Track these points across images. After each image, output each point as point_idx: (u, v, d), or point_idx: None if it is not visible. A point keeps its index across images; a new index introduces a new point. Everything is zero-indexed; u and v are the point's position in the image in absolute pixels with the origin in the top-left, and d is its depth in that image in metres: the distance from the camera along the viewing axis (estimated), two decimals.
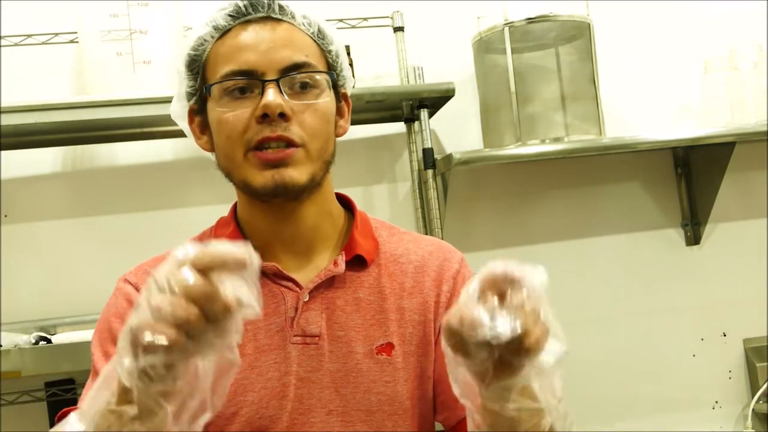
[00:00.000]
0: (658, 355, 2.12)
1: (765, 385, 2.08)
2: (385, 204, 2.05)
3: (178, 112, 1.08)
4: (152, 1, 1.79)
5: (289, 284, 1.01)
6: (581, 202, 2.14)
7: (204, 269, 0.66)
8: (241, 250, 0.67)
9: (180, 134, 1.89)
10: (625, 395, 2.10)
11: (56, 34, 1.83)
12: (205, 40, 1.00)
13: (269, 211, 1.01)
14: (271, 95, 0.95)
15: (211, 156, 1.08)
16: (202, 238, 1.09)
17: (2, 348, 1.60)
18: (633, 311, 2.13)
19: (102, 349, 0.99)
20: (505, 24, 1.90)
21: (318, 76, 0.99)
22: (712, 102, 2.08)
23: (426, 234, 1.86)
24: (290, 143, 0.96)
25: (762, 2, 2.20)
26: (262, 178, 0.97)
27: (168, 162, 1.96)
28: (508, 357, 0.70)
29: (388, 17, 1.96)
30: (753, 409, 2.08)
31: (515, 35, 1.91)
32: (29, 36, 1.82)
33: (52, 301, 1.86)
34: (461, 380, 0.75)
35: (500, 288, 0.70)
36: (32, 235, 1.89)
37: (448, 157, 1.85)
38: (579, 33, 1.96)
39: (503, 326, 0.68)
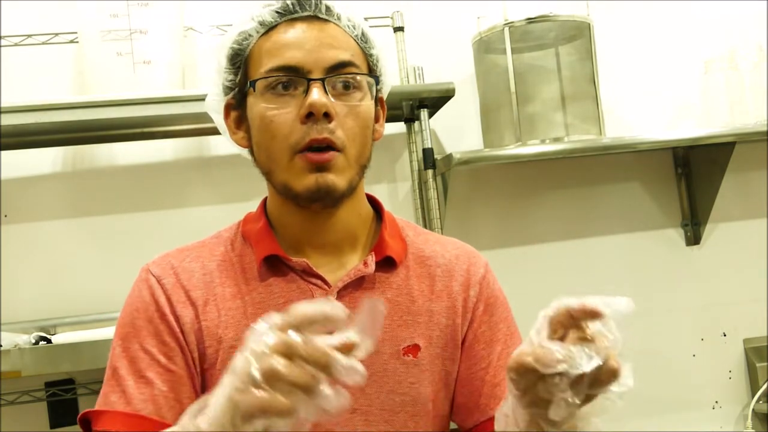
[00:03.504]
0: (658, 355, 2.12)
1: (765, 385, 2.08)
2: (385, 204, 1.99)
3: (214, 105, 1.08)
4: (152, 1, 1.78)
5: (318, 282, 1.01)
6: (581, 202, 2.14)
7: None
8: (330, 306, 0.69)
9: (180, 134, 1.91)
10: (625, 395, 2.09)
11: (56, 34, 1.83)
12: (250, 35, 1.01)
13: (303, 212, 1.02)
14: (317, 94, 0.95)
15: (244, 152, 1.07)
16: (229, 232, 1.08)
17: (2, 348, 1.60)
18: (633, 311, 2.13)
19: (123, 345, 0.98)
20: (505, 24, 1.90)
21: (360, 78, 1.00)
22: (712, 102, 2.08)
23: (425, 229, 1.86)
24: (332, 147, 0.96)
25: (762, 2, 2.20)
26: (306, 181, 0.97)
27: (168, 162, 1.96)
28: (583, 391, 0.74)
29: (388, 17, 1.96)
30: (753, 409, 2.09)
31: (515, 35, 1.91)
32: (29, 36, 1.82)
33: (52, 301, 1.86)
34: (519, 419, 0.78)
35: (575, 321, 0.77)
36: (32, 235, 1.89)
37: (448, 157, 1.85)
38: (579, 33, 1.96)
39: (584, 360, 0.73)
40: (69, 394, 1.80)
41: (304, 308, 0.70)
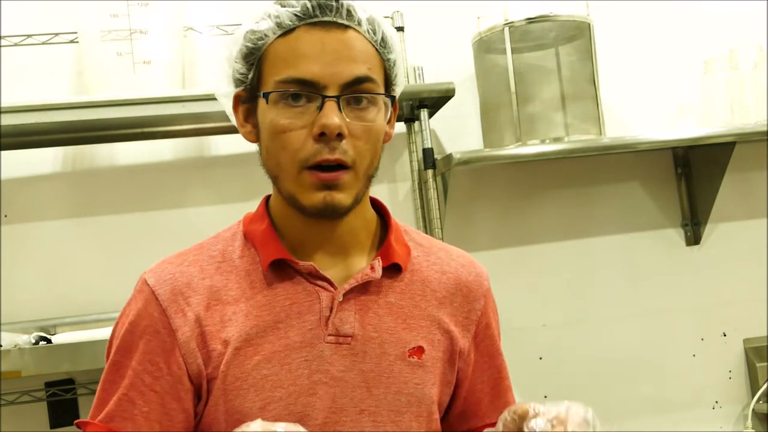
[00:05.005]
0: (658, 355, 2.12)
1: (765, 385, 2.08)
2: (385, 204, 2.04)
3: (223, 90, 1.05)
4: (152, 1, 1.79)
5: (324, 284, 1.00)
6: (581, 202, 2.14)
7: None
8: None
9: (180, 134, 1.91)
10: (625, 395, 2.09)
11: (56, 34, 1.83)
12: (266, 35, 0.97)
13: (308, 218, 1.01)
14: (331, 114, 0.93)
15: (255, 149, 1.05)
16: (228, 233, 1.07)
17: (2, 348, 1.60)
18: (633, 311, 2.13)
19: (114, 357, 1.02)
20: (505, 24, 1.90)
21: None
22: (712, 102, 2.08)
23: (426, 234, 1.86)
24: (342, 165, 0.96)
25: (762, 2, 2.21)
26: (313, 198, 0.96)
27: (168, 162, 1.96)
28: None
29: (388, 17, 1.96)
30: (753, 409, 2.09)
31: (515, 35, 1.91)
32: (29, 36, 1.82)
33: (52, 301, 1.86)
34: None
35: None
36: (32, 235, 1.89)
37: (448, 157, 1.85)
38: (579, 33, 1.96)
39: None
40: (69, 394, 1.80)
41: None
